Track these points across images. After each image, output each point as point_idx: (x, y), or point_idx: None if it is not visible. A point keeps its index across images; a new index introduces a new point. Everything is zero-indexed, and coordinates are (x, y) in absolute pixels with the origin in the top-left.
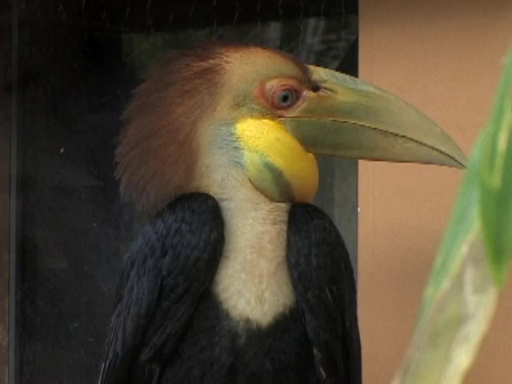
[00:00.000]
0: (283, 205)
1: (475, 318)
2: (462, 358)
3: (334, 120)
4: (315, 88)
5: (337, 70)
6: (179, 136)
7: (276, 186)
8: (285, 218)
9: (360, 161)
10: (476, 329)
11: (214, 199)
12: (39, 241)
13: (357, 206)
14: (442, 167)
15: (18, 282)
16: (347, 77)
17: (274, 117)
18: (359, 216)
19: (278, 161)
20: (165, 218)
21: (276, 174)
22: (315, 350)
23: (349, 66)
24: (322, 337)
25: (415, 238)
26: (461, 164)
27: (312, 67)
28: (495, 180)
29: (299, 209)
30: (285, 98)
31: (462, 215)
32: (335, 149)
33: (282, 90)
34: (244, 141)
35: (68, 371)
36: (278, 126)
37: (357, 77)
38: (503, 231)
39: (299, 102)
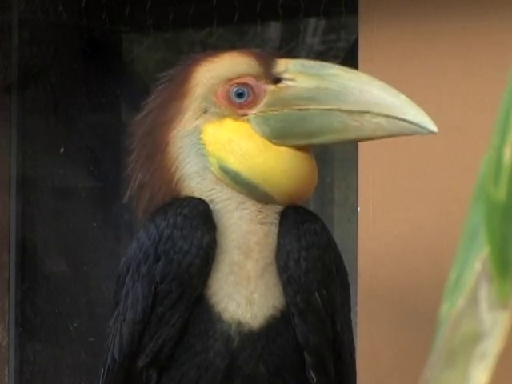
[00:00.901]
0: (273, 206)
1: (491, 334)
2: (480, 375)
3: (298, 109)
4: (276, 80)
5: None
6: (158, 148)
7: (241, 188)
8: (275, 219)
9: (360, 161)
10: (493, 346)
11: (206, 203)
12: (39, 241)
13: (357, 206)
14: (442, 167)
15: (18, 282)
16: (317, 63)
17: (237, 117)
18: (359, 216)
19: (231, 162)
20: (157, 224)
21: (233, 176)
22: (305, 354)
23: (349, 66)
24: (312, 341)
25: (415, 238)
26: (428, 130)
27: (279, 60)
28: (501, 193)
29: (291, 211)
30: (239, 95)
31: (474, 231)
32: (308, 137)
33: (235, 88)
34: (206, 146)
35: (68, 371)
36: (238, 126)
37: None
38: (509, 244)
39: (260, 98)
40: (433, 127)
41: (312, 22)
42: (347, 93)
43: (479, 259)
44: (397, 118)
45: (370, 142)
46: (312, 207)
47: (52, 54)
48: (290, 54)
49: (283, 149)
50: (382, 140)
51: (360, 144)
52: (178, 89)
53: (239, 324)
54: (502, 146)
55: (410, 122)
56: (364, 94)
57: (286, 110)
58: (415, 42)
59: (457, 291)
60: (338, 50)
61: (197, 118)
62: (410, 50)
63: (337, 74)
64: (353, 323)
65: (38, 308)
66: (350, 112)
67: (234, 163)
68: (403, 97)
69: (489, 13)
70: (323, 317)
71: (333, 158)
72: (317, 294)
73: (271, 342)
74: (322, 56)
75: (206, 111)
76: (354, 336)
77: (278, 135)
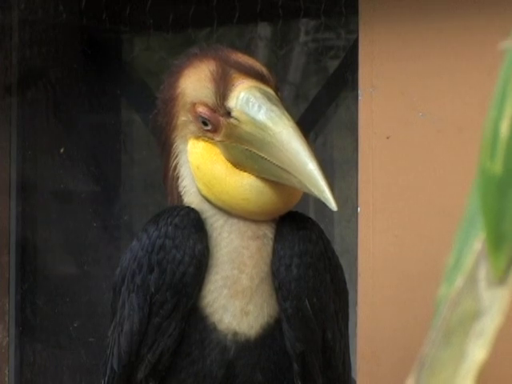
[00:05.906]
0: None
1: (489, 312)
2: (477, 352)
3: (244, 148)
4: (228, 115)
5: (337, 69)
6: (168, 161)
7: (216, 208)
8: (268, 231)
9: (360, 161)
10: (490, 323)
11: (196, 212)
12: (39, 241)
13: (357, 206)
14: (442, 167)
15: (18, 282)
16: (258, 103)
17: (207, 139)
18: (359, 216)
19: (200, 187)
20: (149, 234)
21: (205, 198)
22: (293, 362)
23: (349, 66)
24: (298, 348)
25: (415, 238)
26: (328, 204)
27: (235, 89)
28: (496, 167)
29: (287, 218)
30: (204, 123)
31: (474, 213)
32: (257, 172)
33: (199, 116)
34: (190, 166)
35: (68, 371)
36: (208, 148)
37: (357, 77)
38: (504, 218)
39: (219, 128)
40: (330, 203)
41: (312, 21)
42: (272, 147)
43: (479, 239)
44: (305, 187)
45: (369, 142)
46: (312, 207)
47: (52, 54)
48: (268, 65)
49: (251, 176)
50: (382, 140)
51: (360, 144)
52: (170, 97)
53: (235, 334)
54: (499, 118)
55: (315, 194)
56: (283, 152)
57: (239, 146)
58: (415, 42)
59: (456, 272)
60: (338, 50)
61: (186, 126)
62: (410, 49)
63: (266, 125)
64: (353, 323)
65: (38, 308)
66: (278, 165)
67: (202, 188)
68: (313, 164)
69: (489, 12)
70: (312, 325)
71: (333, 158)
72: (307, 302)
73: (267, 349)
74: (322, 56)
75: (188, 125)
76: (354, 336)
77: (240, 164)
